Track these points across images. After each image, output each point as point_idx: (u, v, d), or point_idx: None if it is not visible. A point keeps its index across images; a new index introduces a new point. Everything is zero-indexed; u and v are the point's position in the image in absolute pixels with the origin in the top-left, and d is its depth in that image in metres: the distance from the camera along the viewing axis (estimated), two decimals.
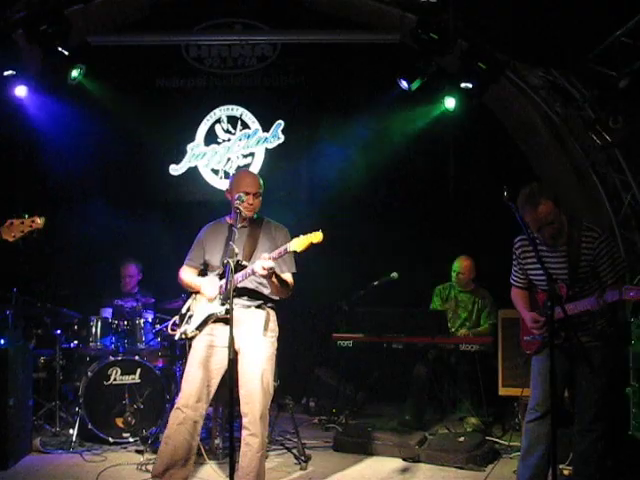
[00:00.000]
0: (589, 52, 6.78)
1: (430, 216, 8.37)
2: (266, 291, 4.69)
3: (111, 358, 6.46)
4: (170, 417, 4.60)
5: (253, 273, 4.42)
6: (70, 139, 8.02)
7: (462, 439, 5.89)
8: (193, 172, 8.73)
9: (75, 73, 7.31)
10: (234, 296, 4.40)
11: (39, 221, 4.41)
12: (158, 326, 6.93)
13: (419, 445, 5.88)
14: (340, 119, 8.27)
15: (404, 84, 7.40)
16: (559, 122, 7.51)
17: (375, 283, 7.34)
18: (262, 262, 4.29)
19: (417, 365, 7.09)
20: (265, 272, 4.32)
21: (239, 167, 8.67)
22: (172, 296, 6.90)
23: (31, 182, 8.12)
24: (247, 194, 4.60)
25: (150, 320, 6.97)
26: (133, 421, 6.28)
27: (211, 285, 4.64)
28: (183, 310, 4.82)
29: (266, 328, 4.65)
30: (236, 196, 4.49)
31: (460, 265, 7.37)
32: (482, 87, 7.23)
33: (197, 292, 4.76)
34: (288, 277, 4.68)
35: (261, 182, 4.74)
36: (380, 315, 7.01)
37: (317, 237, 4.21)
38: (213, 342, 4.60)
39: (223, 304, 4.38)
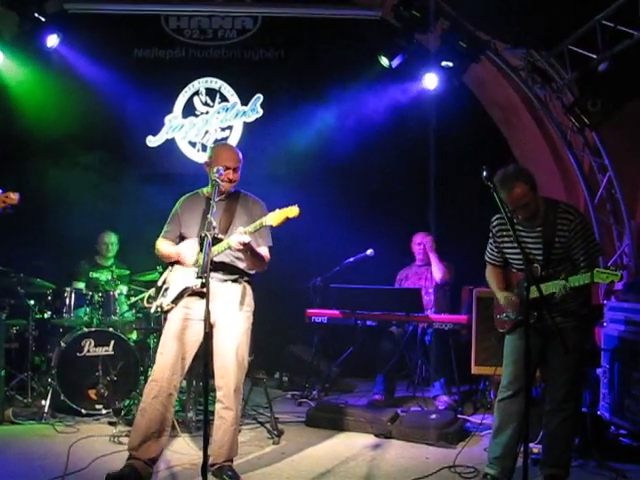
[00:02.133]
0: (570, 34, 6.81)
1: (408, 194, 8.38)
2: (242, 265, 4.68)
3: (85, 329, 6.43)
4: (145, 390, 4.60)
5: (229, 247, 4.40)
6: (46, 107, 7.88)
7: (434, 416, 5.94)
8: (170, 144, 8.67)
9: (52, 40, 7.17)
10: (210, 269, 4.40)
11: (13, 196, 4.37)
12: (133, 298, 6.91)
13: (391, 422, 5.92)
14: (319, 95, 8.21)
15: (385, 61, 7.35)
16: (538, 103, 7.54)
17: (350, 260, 7.36)
18: (238, 237, 4.29)
19: (385, 342, 7.14)
20: (241, 247, 4.32)
21: (217, 140, 8.62)
22: (147, 268, 6.87)
23: (6, 150, 8.00)
24: (227, 168, 4.58)
25: (125, 292, 6.93)
26: (106, 393, 6.27)
27: (191, 249, 4.61)
28: (159, 283, 4.80)
29: (242, 302, 4.65)
30: (215, 169, 4.46)
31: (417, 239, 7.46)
32: (462, 66, 7.20)
33: (174, 263, 4.73)
34: (264, 251, 4.67)
35: (240, 156, 4.72)
36: (354, 292, 7.03)
37: (293, 212, 4.22)
38: (189, 315, 4.59)
39: (199, 277, 4.36)
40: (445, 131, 7.99)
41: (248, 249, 4.42)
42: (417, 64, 7.55)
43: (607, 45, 6.39)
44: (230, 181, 4.64)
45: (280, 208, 4.26)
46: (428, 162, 8.35)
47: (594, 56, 6.59)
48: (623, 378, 5.68)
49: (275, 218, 4.24)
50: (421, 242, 7.48)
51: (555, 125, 7.53)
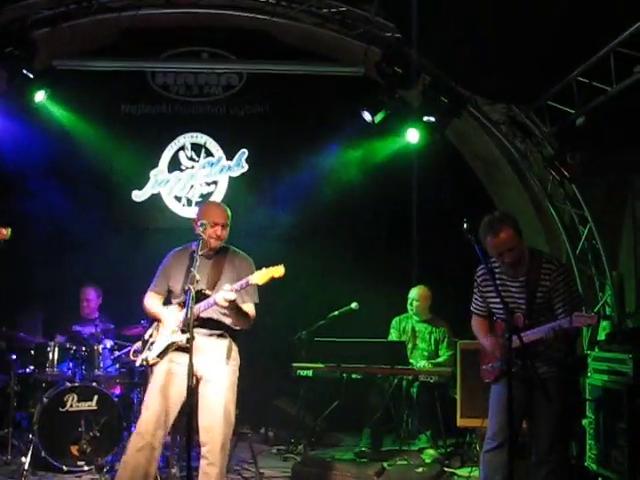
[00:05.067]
0: (548, 90, 6.97)
1: (391, 247, 8.43)
2: (228, 321, 4.68)
3: (67, 384, 6.35)
4: (129, 443, 4.56)
5: (215, 303, 4.42)
6: (32, 162, 7.93)
7: (420, 470, 5.91)
8: (156, 199, 8.70)
9: (40, 96, 7.25)
10: (197, 325, 4.44)
11: (5, 232, 4.38)
12: (117, 352, 6.87)
13: (377, 476, 5.86)
14: (304, 150, 8.34)
15: (368, 116, 7.47)
16: (519, 157, 7.67)
17: (335, 313, 7.36)
18: (223, 294, 4.33)
19: (370, 395, 7.11)
20: (226, 304, 4.35)
21: (202, 195, 8.68)
22: (132, 322, 6.85)
23: None
24: (215, 224, 4.62)
25: (109, 346, 6.89)
26: (89, 449, 6.16)
27: (170, 315, 4.64)
28: (146, 336, 4.79)
29: (228, 357, 4.65)
30: (199, 223, 4.50)
31: (415, 293, 7.44)
32: (444, 121, 7.34)
33: (159, 320, 4.74)
34: (249, 308, 4.69)
35: (229, 213, 4.77)
36: (339, 345, 7.01)
37: (279, 271, 4.29)
38: (174, 369, 4.57)
39: (184, 332, 4.37)
40: (428, 184, 8.09)
41: (233, 306, 4.44)
42: (399, 119, 7.67)
43: (583, 101, 6.55)
44: (218, 238, 4.68)
45: (266, 267, 4.32)
46: (411, 216, 8.44)
47: (572, 111, 6.74)
48: (608, 429, 5.66)
49: (261, 277, 4.30)
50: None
51: (536, 178, 7.65)
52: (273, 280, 4.30)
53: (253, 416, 7.40)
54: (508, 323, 3.95)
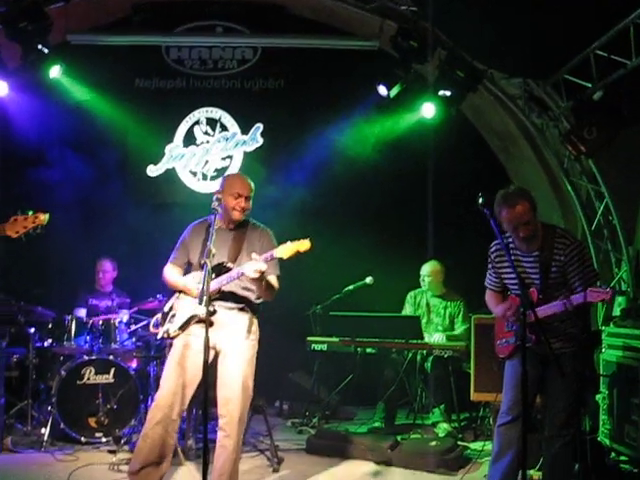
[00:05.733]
0: (565, 64, 6.89)
1: (406, 222, 8.43)
2: (249, 294, 4.69)
3: (85, 357, 6.45)
4: (148, 415, 4.60)
5: (242, 275, 4.41)
6: (48, 137, 7.97)
7: (434, 443, 5.94)
8: (171, 174, 8.73)
9: (54, 72, 7.25)
10: (218, 298, 4.46)
11: (42, 217, 4.39)
12: (133, 326, 6.93)
13: (391, 449, 5.91)
14: (319, 124, 8.31)
15: (383, 90, 7.44)
16: (535, 132, 7.62)
17: (350, 288, 7.38)
18: (254, 265, 4.29)
19: (385, 370, 7.15)
20: (257, 275, 4.31)
21: (217, 170, 8.70)
22: (147, 296, 6.89)
23: (8, 181, 8.06)
24: (239, 196, 4.62)
25: (125, 320, 6.95)
26: (106, 421, 6.26)
27: (192, 286, 4.62)
28: (165, 309, 4.79)
29: (248, 331, 4.66)
30: (214, 197, 4.48)
31: (426, 268, 7.44)
32: (460, 95, 7.29)
33: (181, 291, 4.74)
34: (273, 280, 4.67)
35: (252, 185, 4.76)
36: (354, 320, 7.03)
37: (304, 245, 4.27)
38: (192, 343, 4.58)
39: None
40: (443, 159, 8.06)
41: (262, 278, 4.43)
42: (415, 93, 7.63)
43: (601, 74, 6.48)
44: (242, 210, 4.68)
45: (292, 240, 4.29)
46: (426, 191, 8.41)
47: (589, 85, 6.68)
48: (622, 404, 5.67)
49: (285, 251, 4.28)
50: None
51: (552, 153, 7.60)
52: (298, 254, 4.26)
53: (268, 389, 7.46)
54: (524, 297, 3.94)
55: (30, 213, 4.36)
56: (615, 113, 6.43)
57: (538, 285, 4.41)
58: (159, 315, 4.86)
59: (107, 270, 7.60)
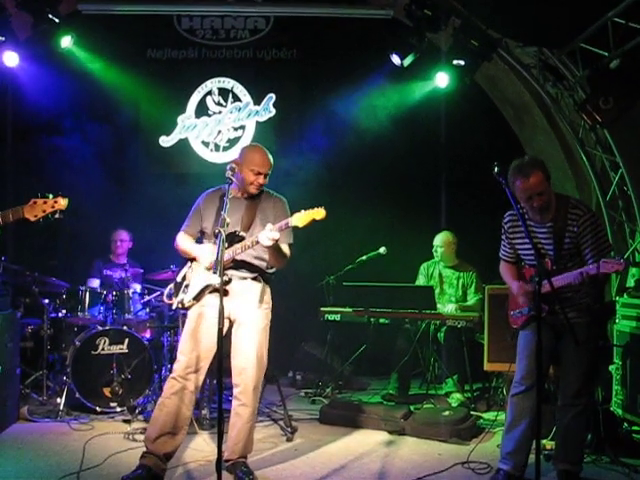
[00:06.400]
0: (581, 32, 6.80)
1: (420, 192, 8.40)
2: (262, 263, 4.70)
3: (99, 328, 6.49)
4: (165, 385, 4.62)
5: (257, 243, 4.41)
6: (59, 108, 7.95)
7: (447, 413, 5.96)
8: (183, 144, 8.72)
9: (66, 42, 7.22)
10: (231, 267, 4.47)
11: (62, 202, 4.37)
12: (147, 297, 6.96)
13: (404, 418, 5.94)
14: (332, 94, 8.25)
15: (397, 59, 7.38)
16: (550, 101, 7.54)
17: (363, 258, 7.38)
18: (268, 233, 4.29)
19: (398, 340, 7.16)
20: (271, 243, 4.31)
21: (230, 140, 8.68)
22: (160, 267, 6.91)
23: (21, 152, 8.08)
24: (259, 174, 4.61)
25: (138, 291, 6.98)
26: (120, 391, 6.32)
27: (206, 253, 4.61)
28: (178, 279, 4.78)
29: (262, 300, 4.67)
30: (228, 167, 4.43)
31: (439, 239, 7.43)
32: (474, 64, 7.21)
33: (193, 259, 4.74)
34: (285, 248, 4.67)
35: (272, 161, 4.72)
36: (367, 290, 7.03)
37: (320, 214, 4.25)
38: (206, 313, 4.59)
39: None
40: (457, 129, 8.02)
41: (276, 246, 4.43)
42: (429, 63, 7.57)
43: (618, 43, 6.38)
44: (260, 186, 4.66)
45: (306, 209, 4.27)
46: (440, 160, 8.38)
47: (606, 54, 6.58)
48: (635, 375, 5.68)
49: (301, 219, 4.26)
50: None
51: (567, 123, 7.53)
52: (314, 222, 4.24)
53: (281, 359, 7.50)
54: (540, 267, 3.92)
55: (50, 197, 4.34)
56: (632, 82, 6.34)
57: (551, 256, 4.39)
58: (172, 285, 4.87)
59: (124, 239, 7.64)
